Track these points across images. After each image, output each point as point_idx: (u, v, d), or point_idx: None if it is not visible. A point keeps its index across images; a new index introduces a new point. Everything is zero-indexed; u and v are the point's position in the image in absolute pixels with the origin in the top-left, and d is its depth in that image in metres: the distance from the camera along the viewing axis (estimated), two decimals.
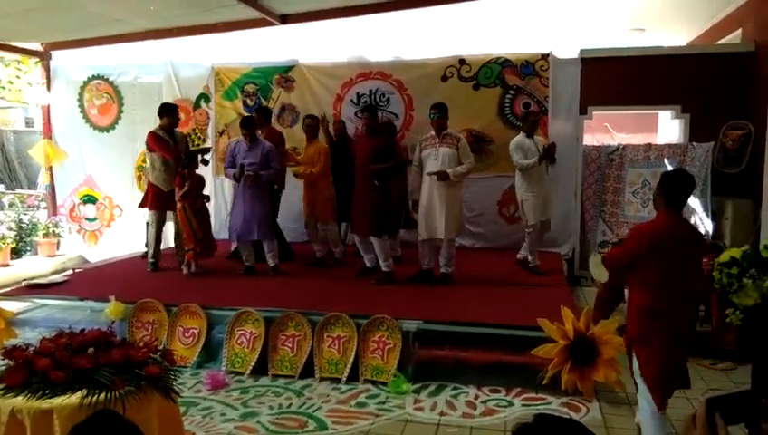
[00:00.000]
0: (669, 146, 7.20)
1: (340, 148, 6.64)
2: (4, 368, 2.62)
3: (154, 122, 6.81)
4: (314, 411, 3.96)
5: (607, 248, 5.08)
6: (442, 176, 5.47)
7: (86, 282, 6.22)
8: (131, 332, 4.99)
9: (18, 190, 10.72)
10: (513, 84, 7.49)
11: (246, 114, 8.11)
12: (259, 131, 6.42)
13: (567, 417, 1.31)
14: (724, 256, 3.56)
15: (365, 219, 5.71)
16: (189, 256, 6.27)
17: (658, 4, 7.55)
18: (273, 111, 7.70)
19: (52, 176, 8.89)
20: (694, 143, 6.95)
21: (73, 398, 2.45)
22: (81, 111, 8.81)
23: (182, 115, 8.33)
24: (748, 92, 6.79)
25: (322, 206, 6.53)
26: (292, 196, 7.16)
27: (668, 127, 8.14)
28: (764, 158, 5.99)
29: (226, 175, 6.16)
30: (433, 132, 5.72)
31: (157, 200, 6.50)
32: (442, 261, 5.80)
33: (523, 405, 4.02)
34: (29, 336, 4.85)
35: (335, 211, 6.57)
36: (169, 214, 6.59)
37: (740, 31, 7.22)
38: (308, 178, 6.49)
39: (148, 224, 6.74)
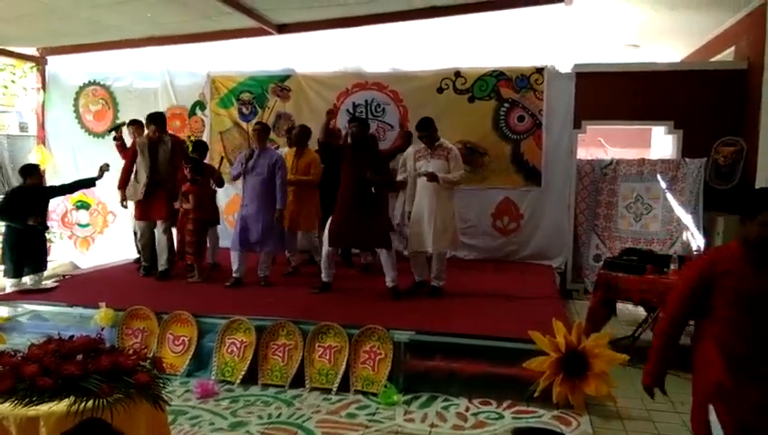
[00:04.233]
0: (662, 161, 7.25)
1: (333, 153, 6.19)
2: None
3: None
4: (304, 422, 3.93)
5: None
6: (431, 177, 5.48)
7: (76, 288, 6.16)
8: (121, 339, 4.96)
9: None
10: (508, 97, 7.53)
11: (242, 123, 8.17)
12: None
13: (546, 428, 1.31)
14: None
15: (371, 233, 5.59)
16: (190, 258, 6.27)
17: (653, 21, 7.61)
18: (266, 120, 7.72)
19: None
20: (686, 159, 7.00)
21: (61, 405, 2.42)
22: (76, 117, 8.80)
23: (177, 122, 8.40)
24: (740, 109, 6.85)
25: (310, 214, 6.56)
26: None
27: (661, 142, 8.20)
28: (756, 174, 6.05)
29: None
30: (425, 145, 5.74)
31: (139, 211, 6.52)
32: (432, 274, 5.77)
33: (513, 418, 4.01)
34: (17, 342, 4.81)
35: (320, 218, 6.58)
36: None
37: (733, 48, 7.30)
38: (302, 186, 6.49)
39: (135, 233, 6.77)
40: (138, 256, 7.16)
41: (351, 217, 5.57)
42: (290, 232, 6.61)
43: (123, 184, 6.51)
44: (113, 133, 7.00)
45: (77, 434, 1.66)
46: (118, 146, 7.01)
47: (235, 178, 6.23)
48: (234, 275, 6.10)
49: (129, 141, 7.03)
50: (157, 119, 6.52)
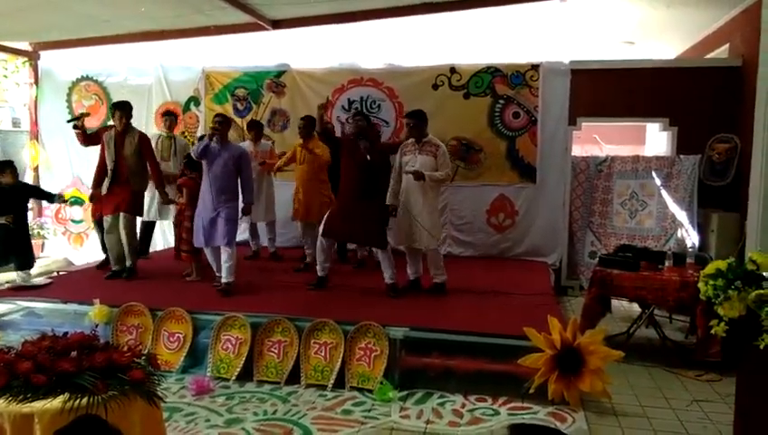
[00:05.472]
0: (657, 158, 7.27)
1: (332, 145, 6.06)
2: None
3: (145, 125, 6.78)
4: (300, 418, 3.93)
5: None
6: (418, 175, 5.39)
7: (70, 284, 6.14)
8: (116, 335, 4.93)
9: None
10: (503, 94, 7.53)
11: (236, 119, 8.13)
12: None
13: (541, 425, 1.31)
14: (710, 268, 3.58)
15: (367, 231, 5.55)
16: (186, 257, 6.19)
17: (649, 17, 7.63)
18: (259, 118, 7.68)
19: (38, 177, 8.80)
20: (681, 156, 7.02)
21: (55, 402, 2.41)
22: (69, 112, 8.73)
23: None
24: (735, 106, 6.87)
25: (324, 206, 6.36)
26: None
27: (656, 139, 8.22)
28: (750, 171, 6.07)
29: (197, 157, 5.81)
30: (413, 139, 5.65)
31: (102, 204, 6.31)
32: (432, 271, 5.73)
33: (509, 414, 4.01)
34: (11, 339, 4.80)
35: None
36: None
37: (727, 45, 7.32)
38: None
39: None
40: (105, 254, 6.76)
41: (350, 211, 5.53)
42: (306, 224, 6.62)
43: (97, 184, 6.24)
44: (75, 122, 6.53)
45: (72, 431, 1.64)
46: (79, 135, 6.55)
47: (199, 158, 5.76)
48: (218, 274, 5.90)
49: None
50: (123, 106, 6.22)
